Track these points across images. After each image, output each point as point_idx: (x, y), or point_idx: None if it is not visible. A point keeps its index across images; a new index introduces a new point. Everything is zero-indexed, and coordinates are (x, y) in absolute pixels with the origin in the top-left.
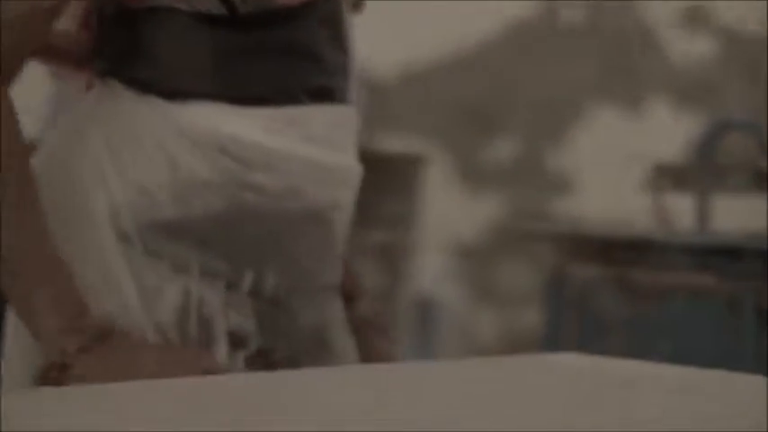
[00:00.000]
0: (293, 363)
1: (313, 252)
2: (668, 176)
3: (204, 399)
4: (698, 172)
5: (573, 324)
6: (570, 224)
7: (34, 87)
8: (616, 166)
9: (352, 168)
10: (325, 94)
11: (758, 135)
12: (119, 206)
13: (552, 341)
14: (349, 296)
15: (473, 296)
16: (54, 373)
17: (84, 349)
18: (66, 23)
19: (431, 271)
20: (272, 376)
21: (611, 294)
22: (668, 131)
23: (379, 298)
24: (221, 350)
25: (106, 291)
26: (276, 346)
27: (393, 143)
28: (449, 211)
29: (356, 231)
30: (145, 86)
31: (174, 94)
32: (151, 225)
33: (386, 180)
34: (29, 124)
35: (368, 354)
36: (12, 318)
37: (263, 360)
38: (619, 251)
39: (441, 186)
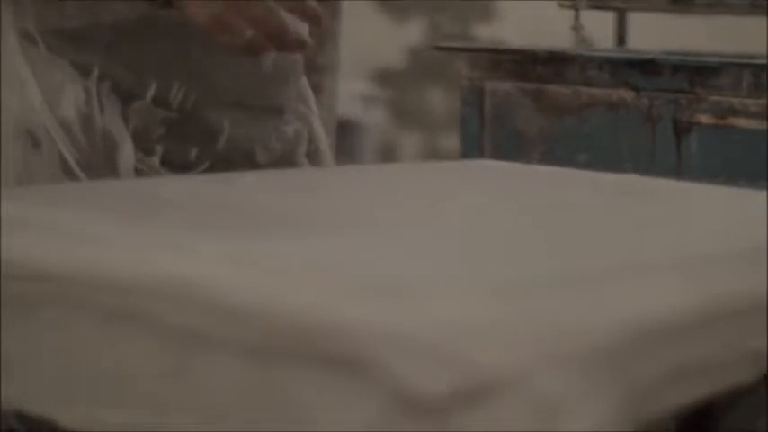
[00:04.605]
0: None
1: (226, 67)
2: None
3: None
4: None
5: (491, 140)
6: (489, 42)
7: None
8: None
9: None
10: None
11: None
12: (26, 11)
13: (471, 156)
14: None
15: (394, 120)
16: None
17: None
18: None
19: (351, 95)
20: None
21: (530, 109)
22: None
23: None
24: (128, 150)
25: (9, 88)
26: (192, 155)
27: None
28: (369, 36)
29: None
30: None
31: None
32: (56, 31)
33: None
34: None
35: None
36: None
37: (181, 170)
38: (537, 67)
39: (360, 11)
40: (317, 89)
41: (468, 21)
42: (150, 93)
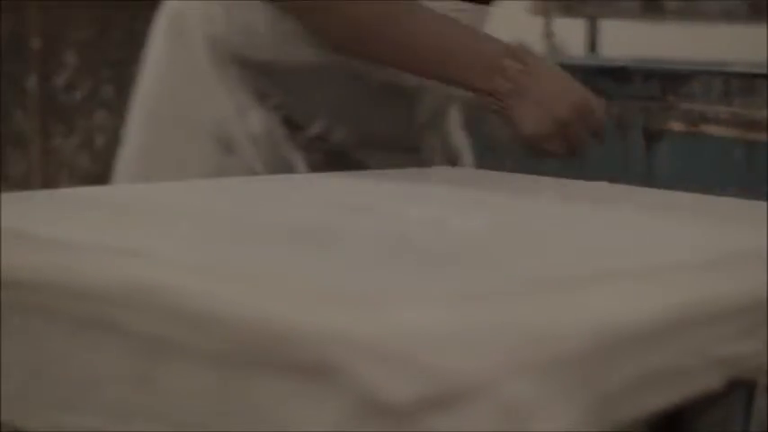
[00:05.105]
0: None
1: (385, 116)
2: (558, 1)
3: None
4: None
5: None
6: None
7: None
8: None
9: None
10: None
11: None
12: (218, 36)
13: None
14: None
15: None
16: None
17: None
18: None
19: None
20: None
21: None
22: None
23: None
24: (301, 167)
25: (204, 102)
26: None
27: None
28: None
29: None
30: None
31: None
32: (244, 60)
33: None
34: None
35: None
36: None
37: None
38: None
39: None
40: None
41: None
42: (315, 129)
